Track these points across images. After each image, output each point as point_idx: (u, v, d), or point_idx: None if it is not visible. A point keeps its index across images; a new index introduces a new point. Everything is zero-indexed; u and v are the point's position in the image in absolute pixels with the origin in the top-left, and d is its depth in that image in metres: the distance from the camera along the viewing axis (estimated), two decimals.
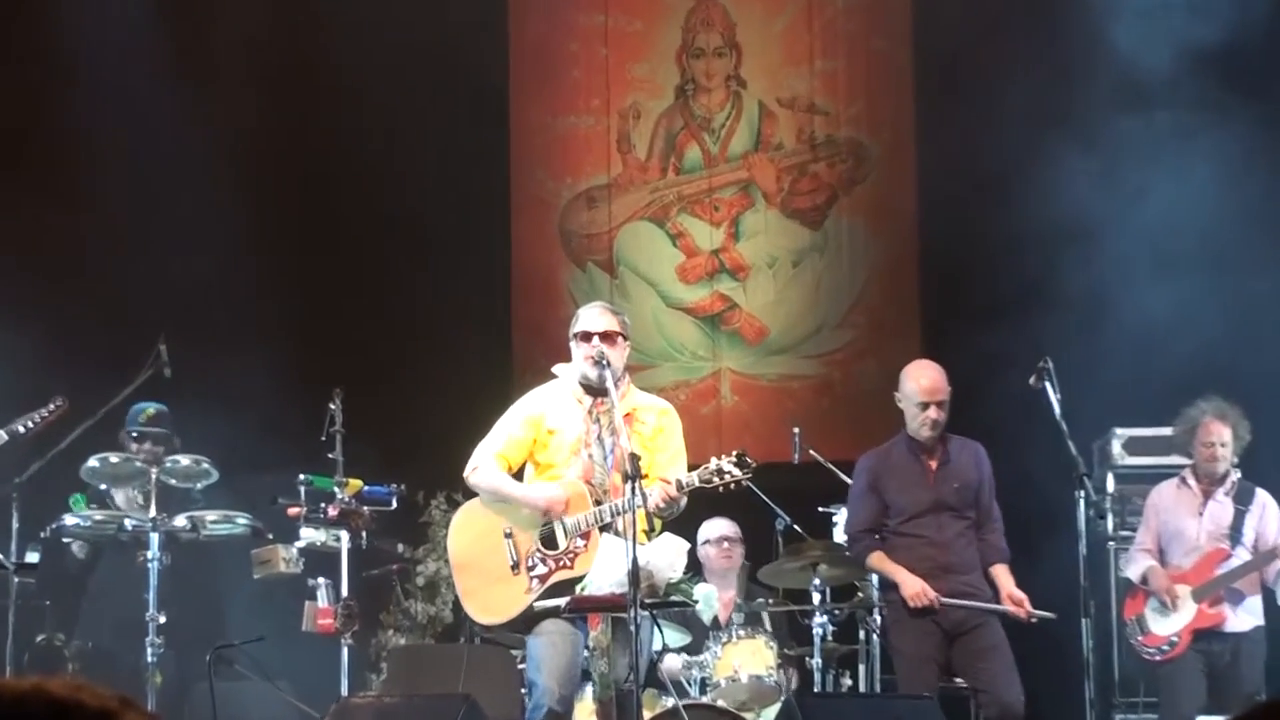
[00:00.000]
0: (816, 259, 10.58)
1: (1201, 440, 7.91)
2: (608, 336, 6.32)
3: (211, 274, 9.48)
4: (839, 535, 8.03)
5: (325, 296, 9.95)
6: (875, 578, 7.76)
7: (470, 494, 6.52)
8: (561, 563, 6.20)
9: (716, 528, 8.39)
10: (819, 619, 7.67)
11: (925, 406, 7.15)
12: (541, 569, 6.22)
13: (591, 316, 6.41)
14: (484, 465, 6.35)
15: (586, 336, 6.33)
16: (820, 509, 8.23)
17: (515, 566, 6.23)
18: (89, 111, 9.44)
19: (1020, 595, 7.09)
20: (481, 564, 6.31)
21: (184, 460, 7.52)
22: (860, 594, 8.00)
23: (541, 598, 6.19)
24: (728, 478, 6.11)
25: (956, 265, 9.96)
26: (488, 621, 6.38)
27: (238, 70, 9.91)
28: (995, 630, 7.07)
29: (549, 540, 6.22)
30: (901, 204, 10.55)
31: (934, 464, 7.23)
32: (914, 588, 7.01)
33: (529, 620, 6.24)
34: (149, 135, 9.45)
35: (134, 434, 7.98)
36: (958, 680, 7.15)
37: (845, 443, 9.40)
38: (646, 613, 5.99)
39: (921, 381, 7.18)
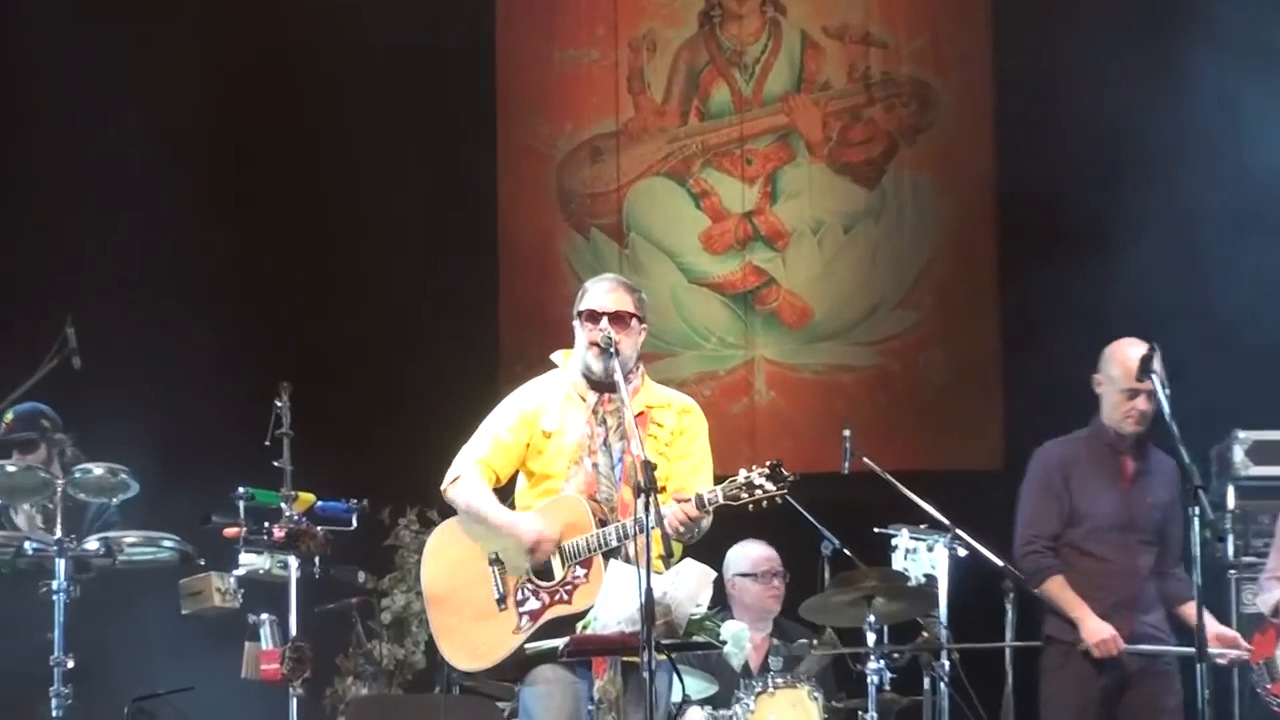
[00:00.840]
0: (871, 224, 10.55)
1: None
2: (618, 318, 6.27)
3: (133, 249, 9.47)
4: (899, 561, 7.98)
5: (271, 274, 9.92)
6: (944, 613, 7.72)
7: (448, 511, 6.47)
8: (558, 596, 6.15)
9: (759, 555, 8.37)
10: (874, 664, 7.62)
11: (1133, 395, 7.11)
12: (534, 603, 6.17)
13: (599, 293, 6.35)
14: (465, 475, 6.30)
15: (593, 317, 6.28)
16: (876, 530, 8.18)
17: (502, 600, 6.19)
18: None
19: (1233, 634, 7.02)
20: (461, 597, 6.26)
21: (96, 470, 7.41)
22: (924, 634, 7.94)
23: (534, 638, 6.13)
24: (759, 493, 6.05)
25: (1042, 232, 9.89)
26: (469, 667, 6.32)
27: (182, 28, 9.94)
28: (1178, 686, 7.09)
29: (543, 569, 6.19)
30: (975, 157, 10.51)
31: (1131, 466, 7.21)
32: (1101, 634, 6.98)
33: (519, 666, 6.19)
34: (72, 104, 9.54)
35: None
36: None
37: (906, 448, 9.38)
38: (663, 656, 5.93)
39: (1130, 363, 7.09)
